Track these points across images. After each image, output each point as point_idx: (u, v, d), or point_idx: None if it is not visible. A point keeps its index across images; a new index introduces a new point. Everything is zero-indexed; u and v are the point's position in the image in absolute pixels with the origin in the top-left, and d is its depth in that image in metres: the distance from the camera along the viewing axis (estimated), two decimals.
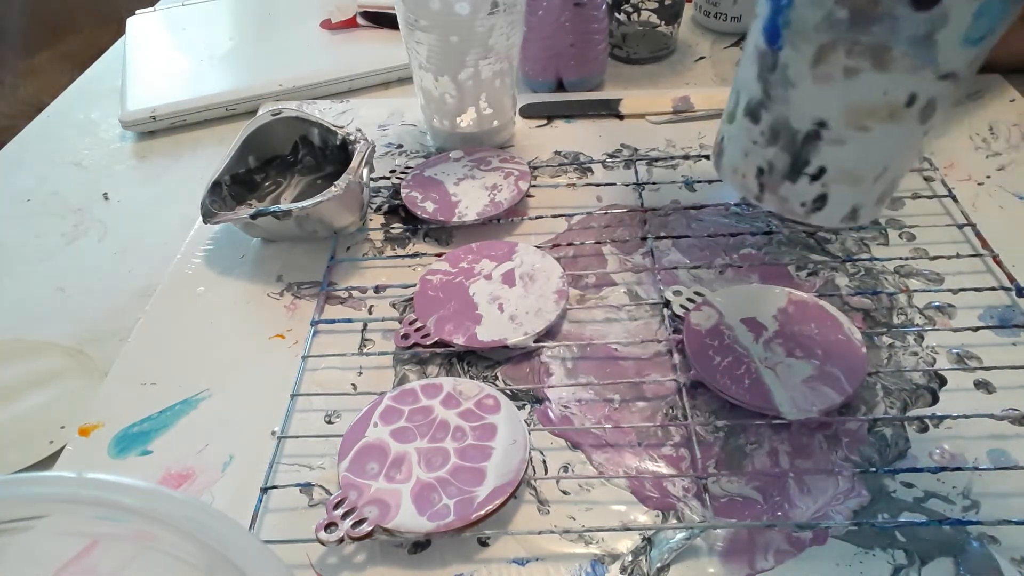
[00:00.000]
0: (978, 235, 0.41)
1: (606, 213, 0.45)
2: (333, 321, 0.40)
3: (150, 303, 0.42)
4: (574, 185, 0.48)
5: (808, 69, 0.24)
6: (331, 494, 0.31)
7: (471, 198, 0.45)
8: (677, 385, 0.35)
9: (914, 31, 0.22)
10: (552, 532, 0.30)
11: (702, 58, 0.62)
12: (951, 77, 0.23)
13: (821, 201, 0.27)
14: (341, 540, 0.28)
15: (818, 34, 0.24)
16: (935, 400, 0.34)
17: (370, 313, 0.41)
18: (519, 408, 0.35)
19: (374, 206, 0.48)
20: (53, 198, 0.52)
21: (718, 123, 0.31)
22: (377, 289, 0.42)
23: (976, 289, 0.38)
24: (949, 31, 0.22)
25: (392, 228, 0.46)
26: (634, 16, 0.58)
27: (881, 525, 0.29)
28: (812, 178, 0.27)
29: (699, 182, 0.47)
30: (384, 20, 0.66)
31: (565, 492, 0.32)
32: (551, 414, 0.35)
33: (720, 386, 0.33)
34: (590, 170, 0.49)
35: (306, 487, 0.32)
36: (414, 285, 0.40)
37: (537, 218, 0.45)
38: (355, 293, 0.42)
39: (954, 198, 0.44)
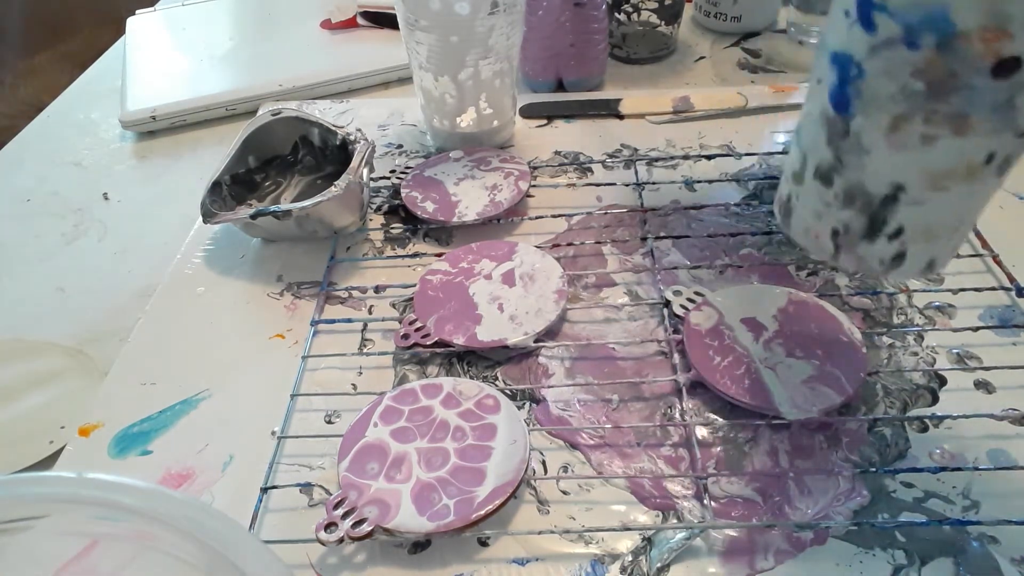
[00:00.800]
0: (978, 235, 0.41)
1: (606, 213, 0.45)
2: (333, 321, 0.40)
3: (150, 303, 0.42)
4: (574, 185, 0.48)
5: (883, 137, 0.24)
6: (331, 494, 0.31)
7: (471, 198, 0.45)
8: (677, 385, 0.35)
9: (994, 99, 0.22)
10: (552, 532, 0.30)
11: (702, 58, 0.62)
12: None
13: (900, 259, 0.27)
14: (341, 540, 0.28)
15: (893, 105, 0.23)
16: (935, 400, 0.34)
17: (370, 313, 0.41)
18: (519, 408, 0.35)
19: (374, 206, 0.48)
20: (53, 198, 0.52)
21: (780, 182, 0.30)
22: (377, 289, 0.42)
23: (976, 289, 0.38)
24: None
25: (392, 228, 0.46)
26: (634, 16, 0.58)
27: (881, 525, 0.29)
28: (890, 238, 0.26)
29: (699, 182, 0.47)
30: (384, 20, 0.66)
31: (565, 492, 0.32)
32: (551, 414, 0.35)
33: (720, 386, 0.33)
34: (590, 170, 0.49)
35: (306, 487, 0.32)
36: (414, 285, 0.40)
37: (537, 218, 0.45)
38: (355, 293, 0.42)
39: None
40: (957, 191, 0.25)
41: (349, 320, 0.40)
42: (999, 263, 0.39)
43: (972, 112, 0.22)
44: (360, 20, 0.67)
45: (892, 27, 0.22)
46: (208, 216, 0.42)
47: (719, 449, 0.33)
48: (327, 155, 0.48)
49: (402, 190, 0.46)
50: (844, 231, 0.27)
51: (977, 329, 0.36)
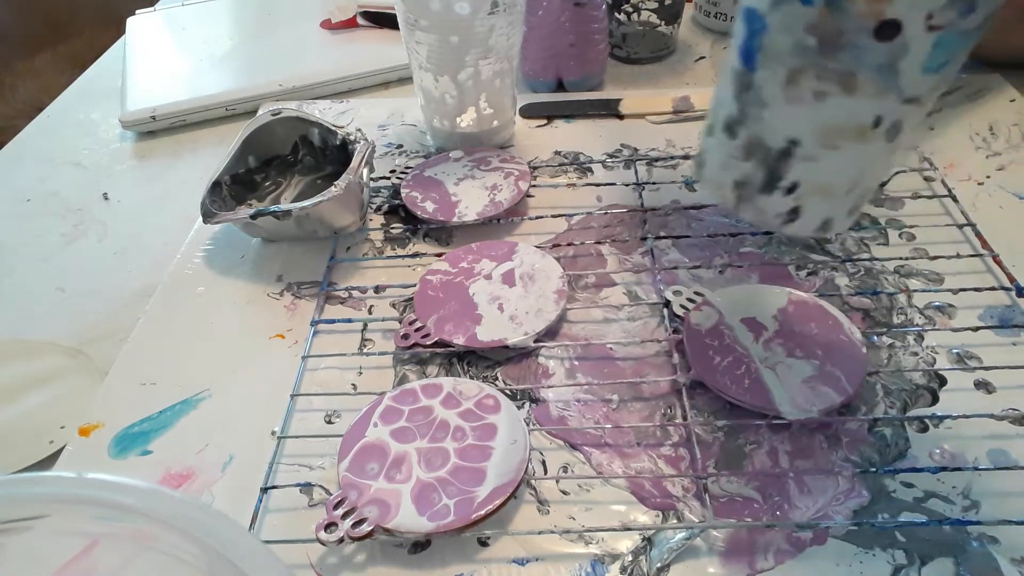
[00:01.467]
0: (978, 235, 0.41)
1: (606, 213, 0.45)
2: (333, 321, 0.40)
3: (150, 303, 0.42)
4: (574, 185, 0.48)
5: (780, 91, 0.25)
6: (331, 494, 0.31)
7: (471, 198, 0.45)
8: (677, 385, 0.35)
9: (877, 59, 0.23)
10: (552, 532, 0.30)
11: (702, 58, 0.62)
12: (915, 101, 0.25)
13: (795, 213, 0.28)
14: (341, 540, 0.28)
15: (789, 58, 0.25)
16: (935, 400, 0.34)
17: (370, 313, 0.41)
18: (519, 408, 0.35)
19: (374, 206, 0.48)
20: (53, 198, 0.52)
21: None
22: (377, 289, 0.42)
23: (976, 289, 0.38)
24: (910, 60, 0.23)
25: (392, 228, 0.46)
26: (634, 16, 0.58)
27: (881, 525, 0.29)
28: (786, 191, 0.28)
29: (699, 182, 0.47)
30: (384, 20, 0.66)
31: (565, 492, 0.32)
32: (551, 414, 0.35)
33: (720, 386, 0.33)
34: (590, 170, 0.49)
35: (306, 487, 0.32)
36: (414, 285, 0.40)
37: (537, 218, 0.45)
38: (355, 293, 0.42)
39: (954, 198, 0.44)
40: (848, 150, 0.26)
41: (349, 320, 0.40)
42: (999, 263, 0.39)
43: (858, 71, 0.23)
44: (360, 20, 0.67)
45: None
46: (208, 216, 0.42)
47: (719, 449, 0.33)
48: (327, 155, 0.48)
49: (402, 190, 0.46)
50: (745, 183, 0.28)
51: (977, 329, 0.36)
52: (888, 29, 0.22)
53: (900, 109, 0.25)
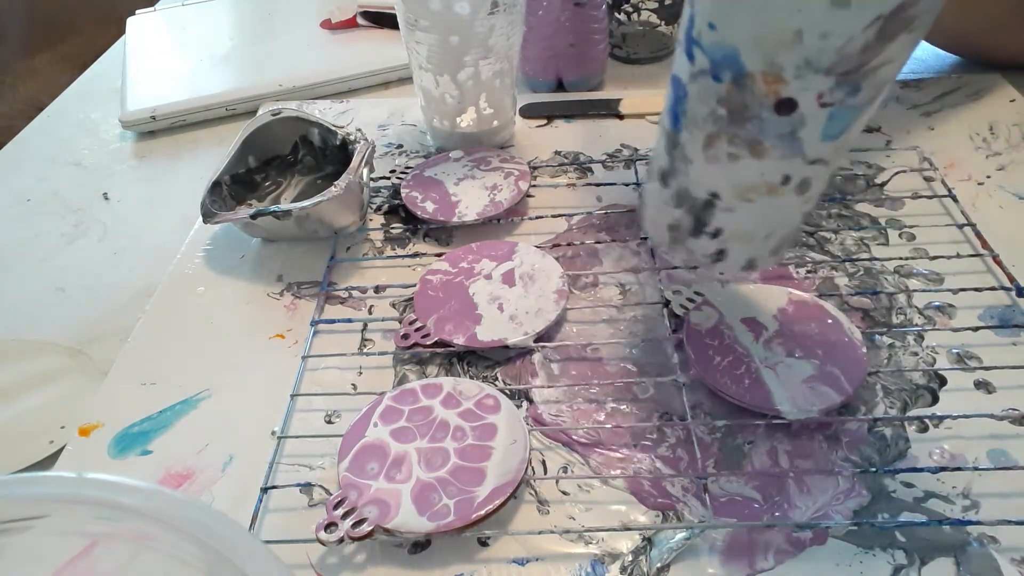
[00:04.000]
0: (978, 235, 0.41)
1: (606, 213, 0.45)
2: (333, 321, 0.40)
3: (150, 303, 0.42)
4: (574, 185, 0.48)
5: (700, 151, 0.28)
6: (331, 494, 0.31)
7: (471, 198, 0.45)
8: (677, 385, 0.35)
9: (779, 130, 0.25)
10: (552, 532, 0.30)
11: None
12: (819, 162, 0.27)
13: (720, 254, 0.31)
14: (341, 540, 0.28)
15: (706, 124, 0.27)
16: (935, 400, 0.34)
17: (370, 313, 0.41)
18: (518, 408, 0.35)
19: (374, 206, 0.48)
20: (53, 198, 0.52)
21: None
22: (377, 289, 0.42)
23: (976, 289, 0.38)
24: (809, 130, 0.25)
25: (392, 228, 0.46)
26: (634, 16, 0.58)
27: (881, 525, 0.29)
28: (711, 236, 0.30)
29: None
30: (384, 20, 0.66)
31: (565, 492, 0.32)
32: (551, 414, 0.35)
33: (720, 386, 0.33)
34: (590, 170, 0.49)
35: (306, 487, 0.32)
36: (414, 285, 0.40)
37: (537, 218, 0.45)
38: (355, 293, 0.42)
39: (954, 198, 0.44)
40: (763, 203, 0.28)
41: (349, 320, 0.40)
42: (999, 263, 0.39)
43: (764, 139, 0.26)
44: (360, 20, 0.67)
45: (703, 60, 0.26)
46: (208, 216, 0.42)
47: (719, 449, 0.33)
48: (327, 155, 0.48)
49: (402, 190, 0.46)
50: (676, 227, 0.31)
51: (977, 329, 0.36)
52: (786, 106, 0.25)
53: (806, 169, 0.27)
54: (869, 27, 0.22)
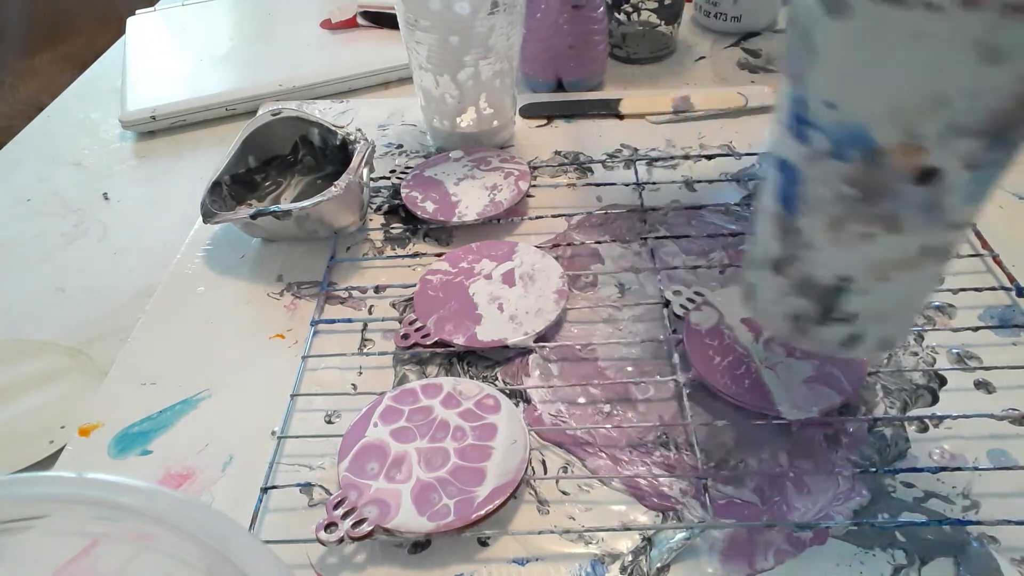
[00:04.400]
0: (978, 235, 0.41)
1: (606, 213, 0.45)
2: (333, 321, 0.40)
3: (150, 303, 0.42)
4: (574, 185, 0.48)
5: (826, 235, 0.26)
6: (331, 494, 0.31)
7: (471, 198, 0.45)
8: (677, 385, 0.35)
9: (919, 200, 0.23)
10: (552, 532, 0.30)
11: (702, 58, 0.62)
12: (960, 226, 0.25)
13: (854, 339, 0.28)
14: (341, 540, 0.28)
15: (831, 207, 0.25)
16: (935, 400, 0.34)
17: (370, 313, 0.41)
18: (518, 408, 0.35)
19: (374, 206, 0.48)
20: (53, 198, 0.52)
21: (743, 267, 0.32)
22: (377, 289, 0.42)
23: (976, 289, 0.38)
24: (952, 196, 0.23)
25: (392, 228, 0.46)
26: (634, 16, 0.58)
27: (881, 525, 0.29)
28: (843, 322, 0.28)
29: (699, 182, 0.47)
30: (384, 20, 0.66)
31: (565, 492, 0.32)
32: (550, 414, 0.35)
33: (720, 386, 0.33)
34: (590, 170, 0.49)
35: (306, 487, 0.32)
36: (414, 285, 0.40)
37: (537, 218, 0.45)
38: (355, 293, 0.42)
39: None
40: (899, 279, 0.26)
41: (349, 320, 0.40)
42: (999, 263, 0.39)
43: (902, 213, 0.24)
44: (360, 20, 0.67)
45: (822, 141, 0.23)
46: (208, 216, 0.42)
47: (719, 449, 0.33)
48: (327, 155, 0.48)
49: (402, 190, 0.46)
50: (800, 317, 0.28)
51: (977, 329, 0.36)
52: (928, 175, 0.22)
53: (947, 235, 0.25)
54: (1020, 79, 0.20)
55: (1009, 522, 0.29)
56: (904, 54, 0.20)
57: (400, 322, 0.39)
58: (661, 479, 0.32)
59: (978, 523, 0.29)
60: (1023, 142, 0.22)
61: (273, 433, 0.34)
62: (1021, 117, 0.21)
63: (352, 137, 0.45)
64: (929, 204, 0.23)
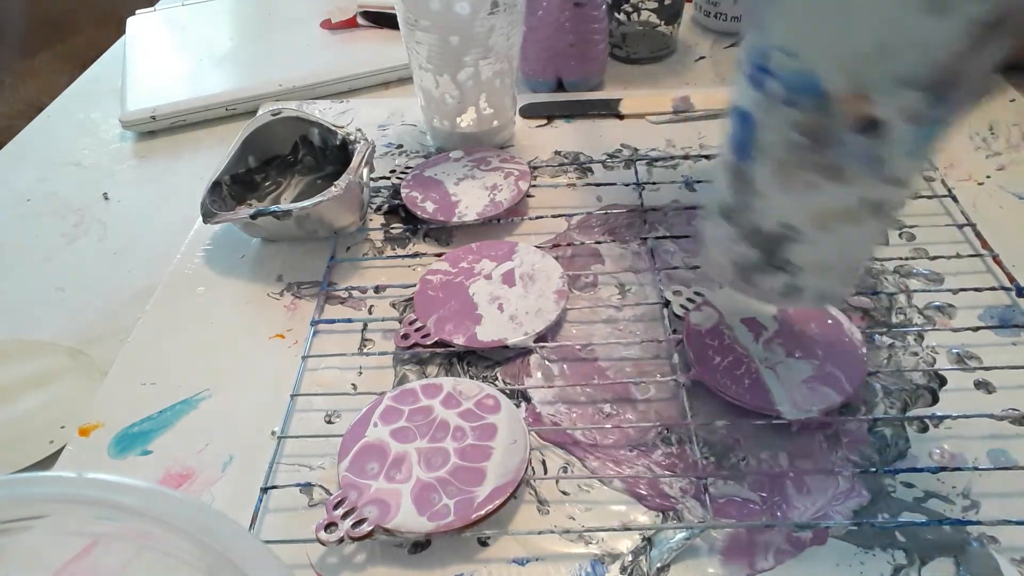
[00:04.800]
0: (978, 235, 0.41)
1: (606, 213, 0.45)
2: (333, 321, 0.40)
3: (150, 303, 0.42)
4: (574, 185, 0.48)
5: (773, 182, 0.27)
6: (331, 494, 0.31)
7: (471, 198, 0.45)
8: (677, 385, 0.35)
9: (862, 152, 0.24)
10: (552, 532, 0.30)
11: (702, 58, 0.62)
12: (902, 183, 0.26)
13: (792, 289, 0.29)
14: (341, 540, 0.28)
15: (780, 153, 0.26)
16: (935, 400, 0.34)
17: (370, 313, 0.41)
18: (518, 408, 0.35)
19: (374, 206, 0.48)
20: (53, 198, 0.52)
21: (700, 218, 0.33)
22: (377, 289, 0.42)
23: (976, 289, 0.38)
24: (894, 149, 0.24)
25: (392, 228, 0.46)
26: (634, 16, 0.58)
27: (881, 525, 0.29)
28: (783, 271, 0.29)
29: (699, 182, 0.47)
30: (384, 20, 0.66)
31: (565, 492, 0.32)
32: (550, 414, 0.35)
33: (720, 386, 0.33)
34: (590, 170, 0.49)
35: (306, 487, 0.32)
36: (414, 285, 0.40)
37: (537, 218, 0.45)
38: (355, 293, 0.42)
39: (954, 198, 0.44)
40: (841, 231, 0.27)
41: (349, 320, 0.40)
42: (999, 263, 0.39)
43: (845, 163, 0.25)
44: (360, 20, 0.67)
45: (777, 88, 0.24)
46: (208, 216, 0.42)
47: (719, 449, 0.33)
48: (327, 155, 0.48)
49: (402, 190, 0.46)
50: (743, 263, 0.30)
51: (977, 329, 0.36)
52: (871, 126, 0.23)
53: (888, 191, 0.26)
54: (965, 33, 0.21)
55: (1009, 522, 0.29)
56: (852, 1, 0.21)
57: (400, 322, 0.39)
58: (661, 479, 0.32)
59: (978, 523, 0.29)
60: (965, 102, 0.23)
61: (273, 433, 0.34)
62: (963, 73, 0.22)
63: (352, 137, 0.45)
64: (871, 156, 0.24)
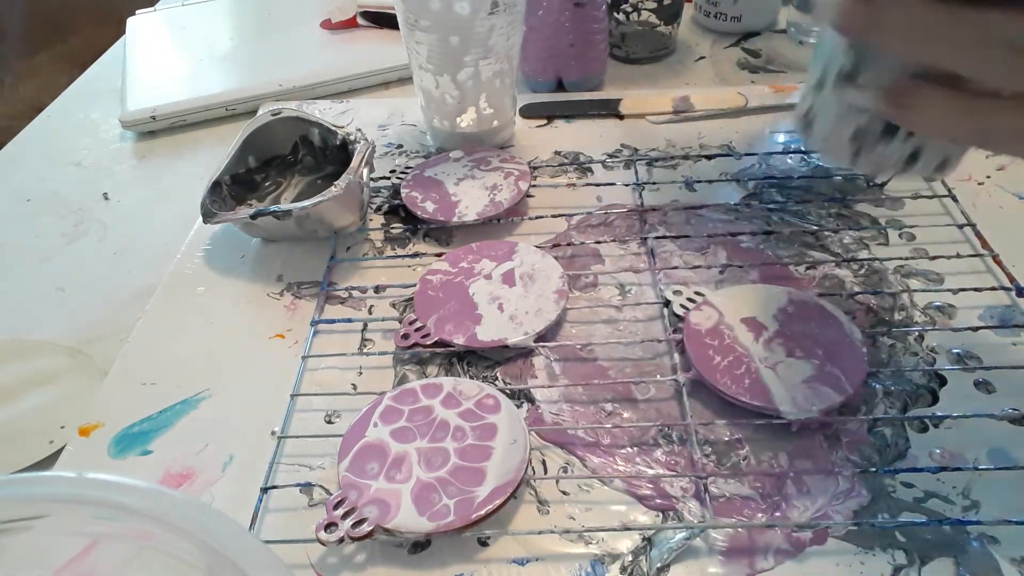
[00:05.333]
0: (978, 235, 0.41)
1: (606, 213, 0.45)
2: (333, 321, 0.40)
3: (150, 303, 0.42)
4: (574, 185, 0.48)
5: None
6: (331, 494, 0.31)
7: (471, 198, 0.45)
8: (677, 385, 0.35)
9: None
10: (552, 532, 0.30)
11: (702, 58, 0.62)
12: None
13: (914, 157, 0.28)
14: (341, 540, 0.28)
15: None
16: (935, 400, 0.34)
17: (370, 313, 0.41)
18: (518, 408, 0.35)
19: (374, 206, 0.48)
20: (53, 198, 0.52)
21: (800, 92, 0.31)
22: (377, 289, 0.42)
23: (976, 289, 0.38)
24: None
25: (392, 228, 0.46)
26: (634, 16, 0.58)
27: (881, 525, 0.29)
28: (906, 136, 0.28)
29: (699, 182, 0.47)
30: (384, 20, 0.66)
31: (565, 492, 0.32)
32: (551, 414, 0.35)
33: (720, 386, 0.33)
34: (590, 170, 0.49)
35: (306, 487, 0.32)
36: (414, 285, 0.40)
37: (537, 218, 0.45)
38: (355, 293, 0.42)
39: (954, 198, 0.44)
40: None
41: (349, 320, 0.40)
42: (999, 263, 0.39)
43: None
44: (360, 20, 0.67)
45: None
46: (208, 216, 0.42)
47: (719, 449, 0.33)
48: (327, 155, 0.48)
49: (402, 190, 0.46)
50: (863, 133, 0.28)
51: (977, 329, 0.36)
52: None
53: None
54: None
55: (1009, 522, 0.29)
56: None
57: (400, 322, 0.39)
58: (661, 479, 0.32)
59: (978, 523, 0.29)
60: None
61: (273, 433, 0.34)
62: None
63: (352, 137, 0.45)
64: None
